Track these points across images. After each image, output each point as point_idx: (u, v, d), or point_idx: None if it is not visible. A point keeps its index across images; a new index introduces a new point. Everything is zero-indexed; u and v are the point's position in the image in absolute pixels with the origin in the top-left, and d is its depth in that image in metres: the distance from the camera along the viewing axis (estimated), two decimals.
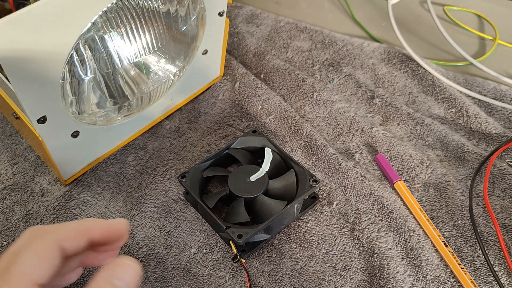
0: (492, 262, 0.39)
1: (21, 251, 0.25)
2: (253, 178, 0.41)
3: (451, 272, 0.39)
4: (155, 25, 0.43)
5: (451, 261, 0.39)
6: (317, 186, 0.41)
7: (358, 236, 0.41)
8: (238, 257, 0.38)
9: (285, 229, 0.42)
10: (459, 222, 0.42)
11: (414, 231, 0.41)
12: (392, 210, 0.42)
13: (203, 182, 0.44)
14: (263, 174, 0.42)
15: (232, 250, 0.39)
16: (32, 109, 0.35)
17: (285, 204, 0.39)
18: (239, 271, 0.39)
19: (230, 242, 0.39)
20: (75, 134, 0.41)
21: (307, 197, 0.43)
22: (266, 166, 0.42)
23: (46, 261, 0.26)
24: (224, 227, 0.37)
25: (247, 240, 0.37)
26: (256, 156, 0.45)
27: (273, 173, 0.43)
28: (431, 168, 0.46)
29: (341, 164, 0.46)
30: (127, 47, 0.42)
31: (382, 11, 0.68)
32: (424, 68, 0.57)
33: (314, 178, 0.41)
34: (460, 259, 0.40)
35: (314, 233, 0.41)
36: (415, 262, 0.39)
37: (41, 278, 0.25)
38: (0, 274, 0.25)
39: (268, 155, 0.43)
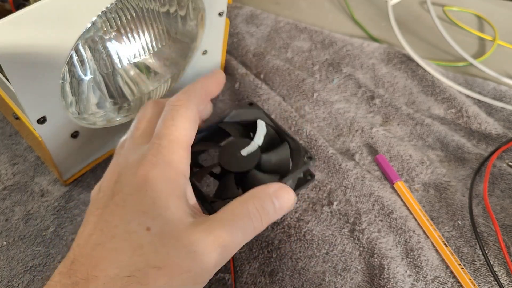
0: (492, 262, 0.39)
1: (173, 118, 0.30)
2: (244, 152, 0.39)
3: (451, 272, 0.39)
4: (154, 25, 0.43)
5: (451, 261, 0.39)
6: (311, 163, 0.39)
7: (358, 237, 0.41)
8: None
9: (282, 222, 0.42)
10: (459, 222, 0.42)
11: (414, 231, 0.41)
12: (392, 211, 0.42)
13: (192, 161, 0.39)
14: (255, 148, 0.39)
15: None
16: (32, 109, 0.35)
17: (277, 178, 0.38)
18: (239, 271, 0.39)
19: None
20: (75, 135, 0.41)
21: (301, 175, 0.41)
22: (258, 139, 0.40)
23: (194, 125, 0.31)
24: (209, 202, 0.35)
25: None
26: (250, 130, 0.42)
27: (266, 147, 0.40)
28: (431, 169, 0.46)
29: (341, 164, 0.46)
30: (127, 48, 0.42)
31: (382, 11, 0.68)
32: (424, 69, 0.57)
33: (309, 154, 0.39)
34: (460, 259, 0.40)
35: (314, 234, 0.41)
36: (415, 262, 0.39)
37: (191, 140, 0.31)
38: (155, 142, 0.29)
39: (261, 128, 0.40)
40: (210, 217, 0.28)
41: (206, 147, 0.42)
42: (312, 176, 0.42)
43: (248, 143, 0.39)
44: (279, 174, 0.39)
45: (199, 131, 0.41)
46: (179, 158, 0.30)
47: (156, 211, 0.27)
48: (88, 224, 0.28)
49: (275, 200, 0.29)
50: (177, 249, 0.26)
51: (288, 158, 0.40)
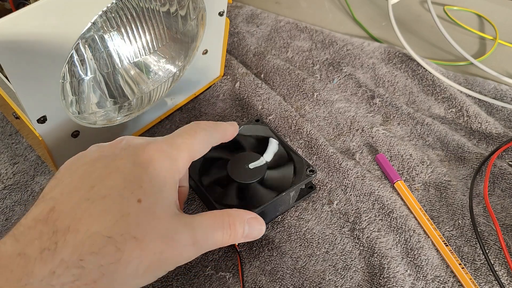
0: (492, 262, 0.39)
1: (195, 133, 0.33)
2: (252, 165, 0.42)
3: (452, 271, 0.39)
4: (155, 25, 0.43)
5: (451, 261, 0.39)
6: (313, 176, 0.41)
7: (358, 236, 0.41)
8: None
9: (280, 216, 0.43)
10: (460, 221, 0.42)
11: (414, 230, 0.41)
12: (392, 210, 0.42)
13: (204, 165, 0.45)
14: (262, 163, 0.42)
15: None
16: (32, 109, 0.35)
17: (276, 194, 0.40)
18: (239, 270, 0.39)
19: None
20: (75, 134, 0.41)
21: (303, 186, 0.43)
22: (268, 156, 0.43)
23: (203, 150, 0.34)
24: (213, 203, 0.39)
25: None
26: (264, 145, 0.46)
27: (273, 164, 0.43)
28: (431, 168, 0.46)
29: (341, 163, 0.46)
30: (127, 47, 0.42)
31: (382, 11, 0.68)
32: (424, 68, 0.57)
33: (311, 168, 0.42)
34: (460, 259, 0.40)
35: (314, 233, 0.41)
36: (415, 261, 0.39)
37: (195, 157, 0.33)
38: (170, 137, 0.32)
39: (273, 146, 0.44)
40: (191, 216, 0.30)
41: (220, 155, 0.45)
42: (313, 188, 0.44)
43: (258, 158, 0.43)
44: (279, 190, 0.41)
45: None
46: (183, 161, 0.32)
47: (151, 188, 0.28)
48: (70, 175, 0.29)
49: (246, 225, 0.32)
50: (157, 229, 0.27)
51: (290, 178, 0.42)
